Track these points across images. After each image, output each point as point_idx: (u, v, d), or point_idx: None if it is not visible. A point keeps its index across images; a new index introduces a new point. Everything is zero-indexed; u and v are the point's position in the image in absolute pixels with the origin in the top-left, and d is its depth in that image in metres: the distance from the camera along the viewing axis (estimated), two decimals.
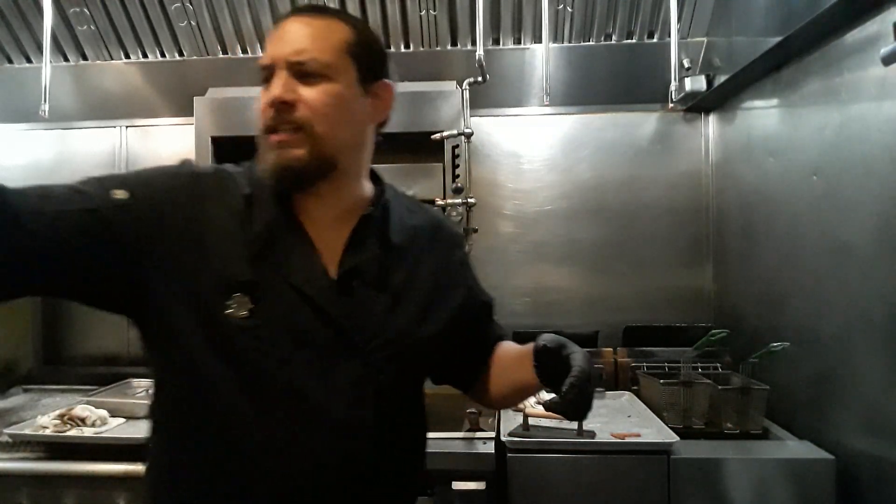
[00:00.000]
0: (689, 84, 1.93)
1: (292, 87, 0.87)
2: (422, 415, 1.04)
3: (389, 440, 0.92)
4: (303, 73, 0.87)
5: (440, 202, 1.85)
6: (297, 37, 0.89)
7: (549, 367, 0.90)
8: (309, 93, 0.87)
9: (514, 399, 1.16)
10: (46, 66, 1.84)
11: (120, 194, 0.84)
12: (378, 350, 0.91)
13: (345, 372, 0.88)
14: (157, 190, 0.88)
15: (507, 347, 1.09)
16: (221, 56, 2.15)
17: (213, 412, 0.86)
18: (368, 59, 0.93)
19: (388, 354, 0.91)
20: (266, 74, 0.89)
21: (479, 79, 1.86)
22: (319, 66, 0.88)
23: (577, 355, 0.88)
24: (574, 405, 0.85)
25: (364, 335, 0.90)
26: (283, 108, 0.87)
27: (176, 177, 0.92)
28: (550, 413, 0.90)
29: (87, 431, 1.64)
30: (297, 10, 0.93)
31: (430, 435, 1.06)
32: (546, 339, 0.92)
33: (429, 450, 1.02)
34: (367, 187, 1.01)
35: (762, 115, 1.80)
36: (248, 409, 0.85)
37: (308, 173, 0.89)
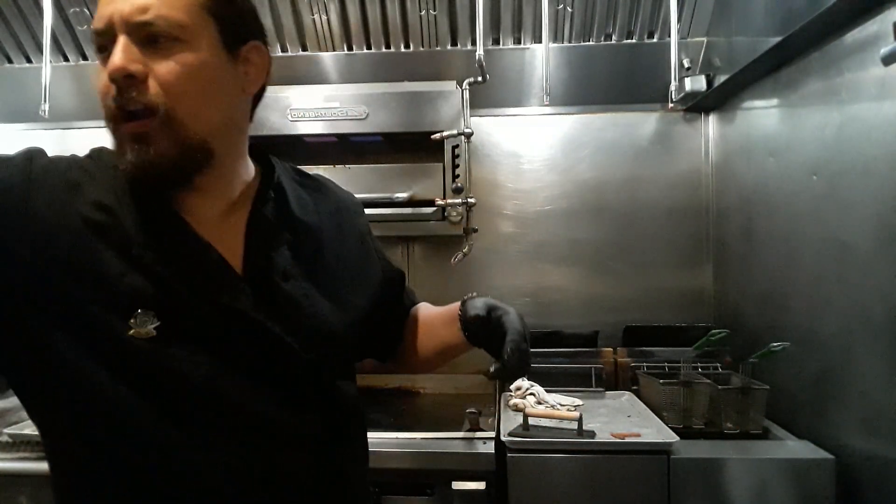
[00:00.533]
0: (689, 84, 1.93)
1: (137, 56, 0.70)
2: (360, 405, 0.93)
3: (337, 443, 0.84)
4: (150, 37, 0.71)
5: (440, 202, 1.85)
6: None
7: (480, 332, 0.89)
8: (161, 66, 0.71)
9: (439, 361, 1.08)
10: (46, 66, 1.84)
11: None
12: (312, 347, 0.80)
13: (281, 376, 0.78)
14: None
15: (428, 311, 1.07)
16: None
17: (131, 447, 0.72)
18: (234, 17, 0.77)
19: (323, 349, 0.82)
20: (102, 41, 0.72)
21: (479, 79, 1.85)
22: (170, 26, 0.71)
23: (510, 316, 0.87)
24: (517, 368, 0.85)
25: (294, 334, 0.79)
26: (128, 83, 0.70)
27: (26, 179, 0.76)
28: (495, 380, 0.92)
29: None
30: None
31: (430, 435, 1.06)
32: (475, 306, 0.90)
33: (429, 450, 1.02)
34: (251, 168, 0.87)
35: (762, 115, 1.80)
36: (175, 437, 0.72)
37: (178, 170, 0.74)
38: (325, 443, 0.82)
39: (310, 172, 0.99)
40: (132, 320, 0.71)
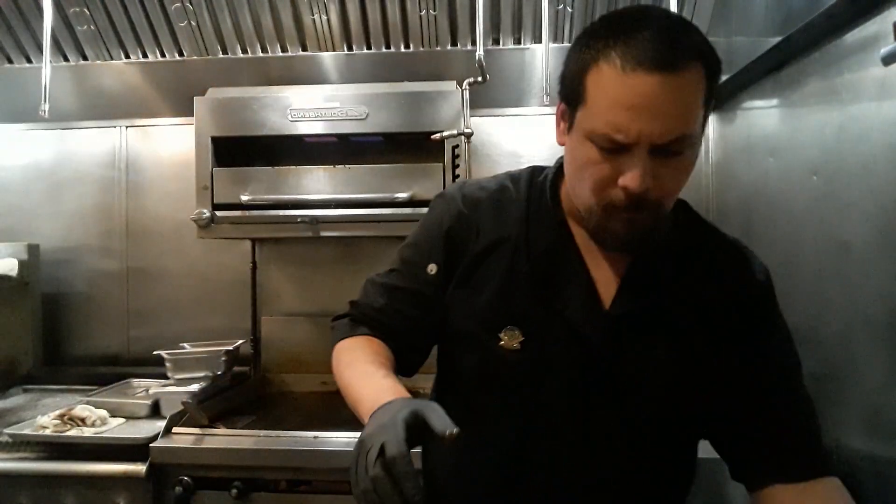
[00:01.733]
0: None
1: (654, 172, 0.75)
2: (687, 478, 0.98)
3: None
4: (667, 151, 0.75)
5: None
6: (666, 110, 0.73)
7: None
8: (669, 173, 0.77)
9: None
10: (46, 66, 1.84)
11: (432, 269, 0.95)
12: (645, 403, 0.86)
13: (602, 423, 0.87)
14: (447, 242, 0.94)
15: None
16: (221, 56, 2.15)
17: (483, 435, 0.89)
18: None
19: (654, 406, 0.87)
20: (615, 145, 0.76)
21: (479, 79, 1.85)
22: (687, 142, 0.76)
23: None
24: None
25: (632, 383, 0.86)
26: (639, 196, 0.77)
27: (455, 218, 0.95)
28: None
29: (87, 431, 1.64)
30: (658, 63, 0.72)
31: None
32: None
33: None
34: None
35: (762, 115, 1.80)
36: (513, 437, 0.89)
37: (650, 240, 0.84)
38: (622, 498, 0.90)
39: (735, 241, 0.97)
40: (501, 333, 0.88)
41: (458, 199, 0.96)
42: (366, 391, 0.83)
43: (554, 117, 0.91)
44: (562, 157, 0.94)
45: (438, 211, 0.97)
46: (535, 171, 0.99)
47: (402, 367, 0.96)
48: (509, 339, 0.87)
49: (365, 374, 0.87)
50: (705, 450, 1.43)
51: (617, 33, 0.76)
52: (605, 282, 0.88)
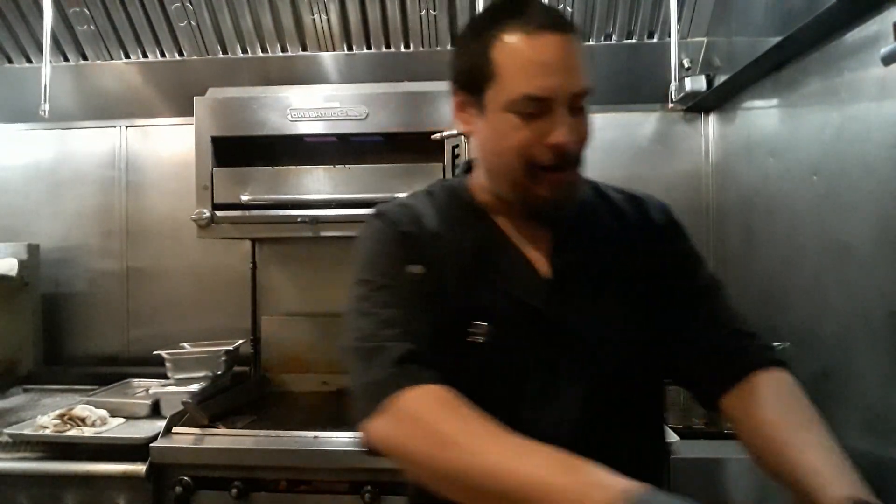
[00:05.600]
0: (689, 84, 1.93)
1: (574, 126, 0.82)
2: (659, 428, 0.97)
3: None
4: (577, 106, 0.83)
5: None
6: (574, 64, 0.82)
7: None
8: (580, 128, 0.85)
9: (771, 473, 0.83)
10: (46, 66, 1.84)
11: (416, 269, 0.87)
12: (609, 357, 0.87)
13: (574, 389, 0.86)
14: (407, 243, 0.89)
15: (790, 423, 0.80)
16: (221, 56, 2.15)
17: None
18: None
19: (618, 357, 0.88)
20: (536, 107, 0.81)
21: None
22: (587, 97, 0.84)
23: None
24: None
25: (592, 340, 0.87)
26: (566, 151, 0.83)
27: (404, 224, 0.90)
28: None
29: (87, 431, 1.64)
30: (555, 26, 0.82)
31: None
32: None
33: None
34: None
35: (762, 115, 1.80)
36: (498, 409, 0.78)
37: (575, 195, 0.89)
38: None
39: (632, 192, 1.05)
40: (470, 329, 0.85)
41: (390, 215, 0.92)
42: (557, 479, 0.61)
43: None
44: (466, 162, 1.01)
45: (376, 229, 0.91)
46: (439, 181, 1.02)
47: None
48: (475, 333, 0.86)
49: (516, 450, 0.66)
50: (706, 449, 1.44)
51: (506, 13, 0.84)
52: (537, 258, 0.91)
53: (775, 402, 0.84)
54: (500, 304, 0.87)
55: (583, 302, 0.89)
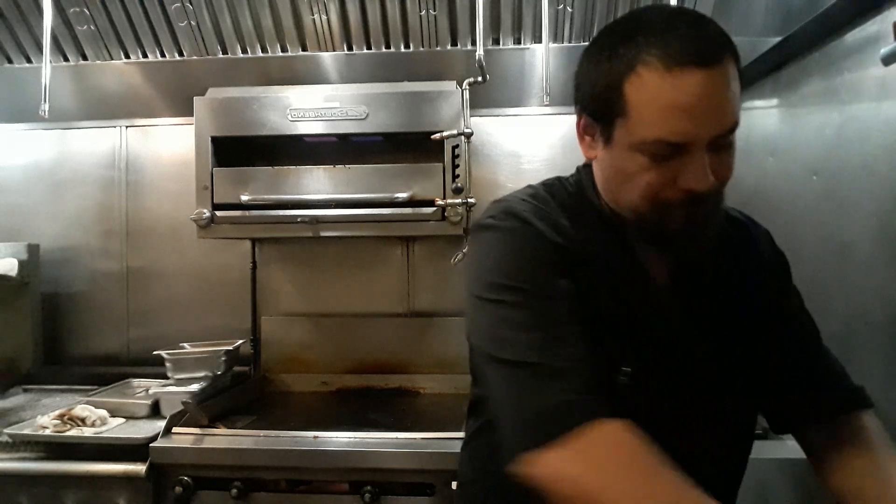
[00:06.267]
0: None
1: (714, 167, 0.75)
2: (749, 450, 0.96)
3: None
4: (722, 144, 0.75)
5: (440, 202, 1.85)
6: (720, 104, 0.72)
7: None
8: (722, 163, 0.77)
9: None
10: (46, 66, 1.84)
11: (565, 283, 0.78)
12: (729, 387, 0.86)
13: (698, 417, 0.84)
14: (558, 253, 0.81)
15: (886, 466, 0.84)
16: (221, 56, 2.15)
17: None
18: None
19: (732, 386, 0.87)
20: (670, 150, 0.74)
21: (479, 79, 1.85)
22: (735, 130, 0.76)
23: None
24: None
25: (711, 370, 0.85)
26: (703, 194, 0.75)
27: (545, 244, 0.81)
28: None
29: (87, 431, 1.64)
30: (700, 59, 0.70)
31: (430, 435, 1.04)
32: None
33: (429, 450, 1.01)
34: None
35: (762, 115, 1.80)
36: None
37: (712, 227, 0.81)
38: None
39: (737, 215, 1.02)
40: (617, 375, 0.80)
41: (527, 216, 0.84)
42: None
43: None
44: (583, 166, 0.93)
45: (512, 228, 0.82)
46: (560, 179, 0.95)
47: None
48: (621, 375, 0.80)
49: None
50: None
51: (647, 35, 0.72)
52: (658, 274, 0.87)
53: (872, 450, 0.87)
54: (643, 348, 0.82)
55: (706, 336, 0.86)
